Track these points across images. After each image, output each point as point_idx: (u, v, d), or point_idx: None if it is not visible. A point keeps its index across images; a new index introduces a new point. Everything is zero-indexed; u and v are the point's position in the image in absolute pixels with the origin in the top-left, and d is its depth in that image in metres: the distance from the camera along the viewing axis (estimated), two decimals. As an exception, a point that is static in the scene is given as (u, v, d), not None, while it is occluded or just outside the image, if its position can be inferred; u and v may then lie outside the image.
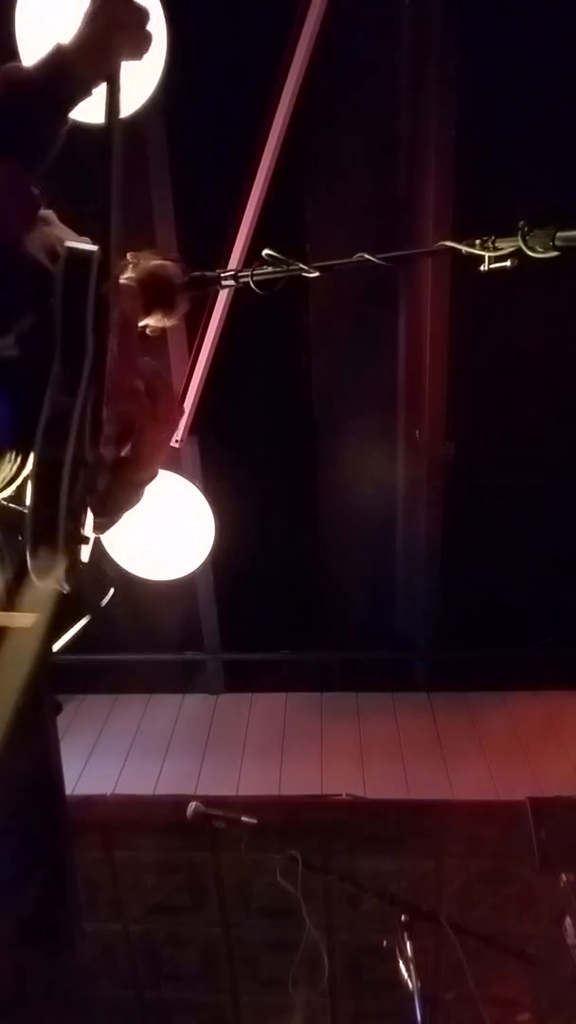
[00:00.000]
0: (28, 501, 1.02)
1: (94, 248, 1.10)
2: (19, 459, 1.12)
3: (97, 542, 1.16)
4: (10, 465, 1.12)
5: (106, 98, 1.17)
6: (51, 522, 1.00)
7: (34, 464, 1.02)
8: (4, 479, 1.14)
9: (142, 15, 1.19)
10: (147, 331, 1.60)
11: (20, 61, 1.51)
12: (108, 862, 3.42)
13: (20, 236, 1.11)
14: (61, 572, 1.01)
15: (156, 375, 1.29)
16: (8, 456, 1.11)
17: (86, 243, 1.21)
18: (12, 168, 1.10)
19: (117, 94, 1.18)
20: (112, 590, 1.19)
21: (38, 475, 1.01)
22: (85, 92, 1.16)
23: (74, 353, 1.05)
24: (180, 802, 2.65)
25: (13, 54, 1.52)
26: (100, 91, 1.19)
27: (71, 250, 1.08)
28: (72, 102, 1.15)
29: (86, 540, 1.07)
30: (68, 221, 1.29)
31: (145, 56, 1.23)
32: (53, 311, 1.06)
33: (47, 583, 1.03)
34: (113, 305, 1.10)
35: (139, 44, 1.20)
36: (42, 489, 1.01)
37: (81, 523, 1.06)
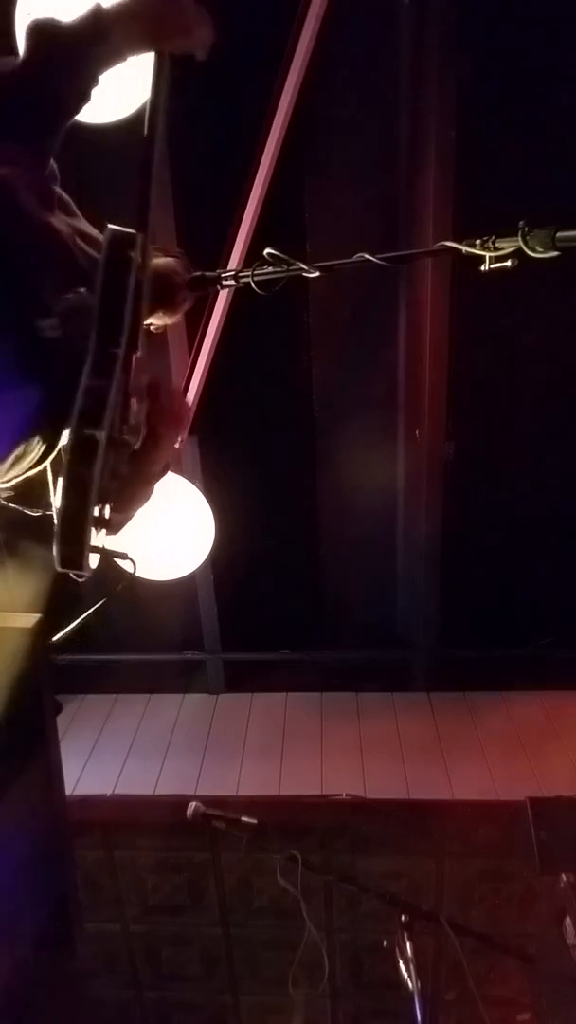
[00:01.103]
0: (60, 483, 1.01)
1: (133, 232, 1.10)
2: (44, 445, 1.12)
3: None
4: (36, 450, 1.12)
5: (153, 78, 1.18)
6: (83, 505, 0.99)
7: (69, 444, 1.01)
8: (30, 462, 1.13)
9: (190, 10, 1.19)
10: (151, 329, 1.60)
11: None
12: (108, 862, 3.42)
13: (50, 220, 1.11)
14: (86, 557, 1.00)
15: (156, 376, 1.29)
16: (36, 439, 1.11)
17: (100, 234, 1.21)
18: (32, 152, 1.11)
19: (163, 75, 1.18)
20: (134, 569, 1.18)
21: (72, 456, 1.00)
22: (118, 56, 1.16)
23: (112, 337, 1.04)
24: (180, 802, 2.65)
25: (13, 51, 1.52)
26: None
27: (114, 232, 1.08)
28: (104, 64, 1.15)
29: (109, 525, 1.06)
30: (89, 217, 1.29)
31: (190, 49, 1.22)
32: (87, 295, 1.06)
33: (67, 568, 1.02)
34: (147, 290, 1.10)
35: (190, 38, 1.20)
36: (76, 472, 0.99)
37: (104, 509, 1.06)
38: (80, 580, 1.05)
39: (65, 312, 1.06)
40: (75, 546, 0.99)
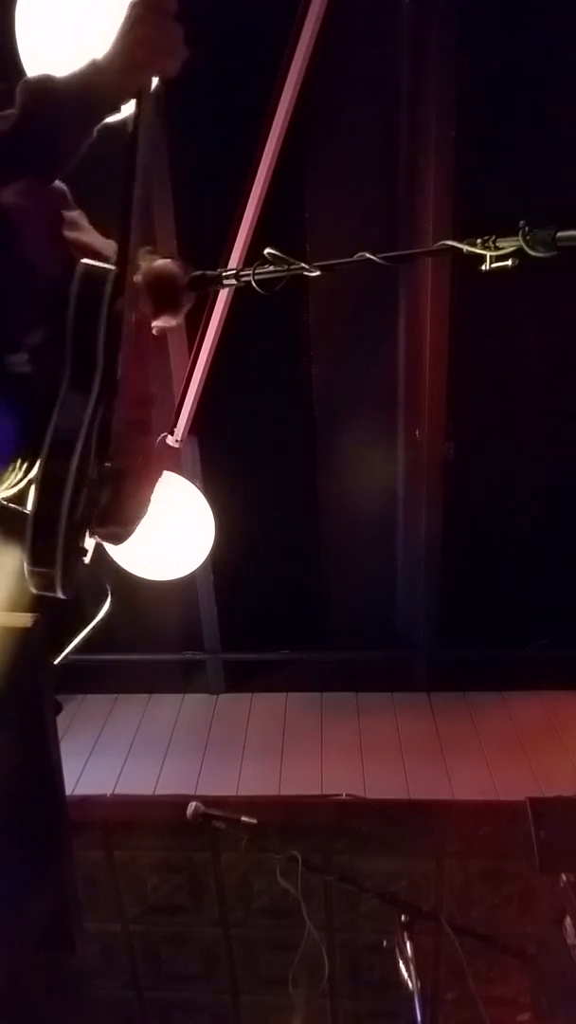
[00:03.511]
0: (29, 512, 1.02)
1: (109, 267, 1.09)
2: (25, 466, 1.13)
3: (95, 553, 1.16)
4: (16, 472, 1.12)
5: (134, 113, 1.15)
6: (51, 534, 1.00)
7: (38, 478, 1.02)
8: (11, 484, 1.14)
9: (176, 36, 1.16)
10: (153, 332, 1.60)
11: (20, 59, 1.52)
12: (108, 862, 3.42)
13: (36, 252, 1.11)
14: (58, 582, 1.02)
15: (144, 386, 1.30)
16: (16, 464, 1.11)
17: (109, 246, 1.21)
18: (33, 184, 1.10)
19: (146, 109, 1.16)
20: (109, 601, 1.20)
21: (41, 491, 1.01)
22: (114, 109, 1.15)
23: (84, 373, 1.05)
24: (180, 802, 2.65)
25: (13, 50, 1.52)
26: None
27: (86, 267, 1.08)
28: (100, 118, 1.14)
29: (84, 553, 1.07)
30: (96, 222, 1.29)
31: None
32: (65, 328, 1.06)
33: (43, 592, 1.03)
34: (128, 321, 1.10)
35: (172, 63, 1.17)
36: (44, 504, 1.01)
37: (81, 536, 1.06)
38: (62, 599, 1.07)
39: (37, 346, 1.06)
40: (46, 571, 1.01)
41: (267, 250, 1.47)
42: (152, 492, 1.26)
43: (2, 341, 1.05)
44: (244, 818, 2.54)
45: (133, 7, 1.12)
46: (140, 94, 1.15)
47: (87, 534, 1.09)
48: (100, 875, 3.43)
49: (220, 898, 3.47)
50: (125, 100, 1.15)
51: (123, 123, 1.17)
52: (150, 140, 1.17)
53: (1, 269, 1.05)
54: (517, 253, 1.18)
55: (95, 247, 1.23)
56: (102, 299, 1.06)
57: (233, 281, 1.57)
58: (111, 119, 1.16)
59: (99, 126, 1.14)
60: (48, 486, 1.01)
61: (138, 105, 1.15)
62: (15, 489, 1.15)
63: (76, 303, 1.06)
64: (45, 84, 1.10)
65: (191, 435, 3.11)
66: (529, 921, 3.24)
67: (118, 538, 1.16)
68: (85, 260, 1.11)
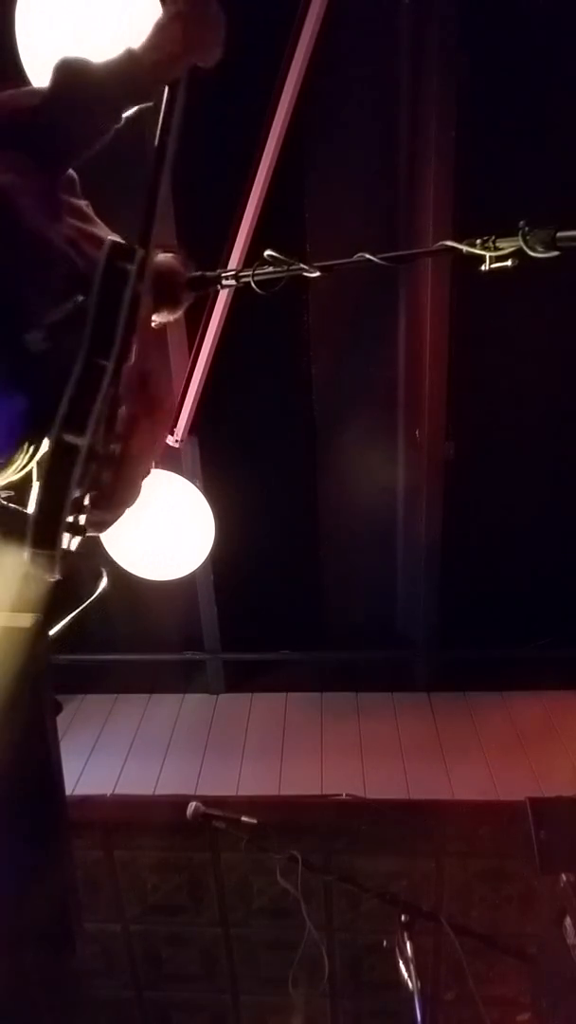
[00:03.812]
0: (35, 488, 1.02)
1: (135, 247, 1.10)
2: (32, 448, 1.13)
3: (90, 537, 1.16)
4: (23, 455, 1.13)
5: (165, 102, 1.17)
6: (56, 511, 1.00)
7: (48, 452, 1.02)
8: (17, 467, 1.14)
9: (217, 28, 1.17)
10: (152, 325, 1.60)
11: (20, 59, 1.52)
12: (108, 862, 3.42)
13: (48, 231, 1.11)
14: (57, 560, 1.02)
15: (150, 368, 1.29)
16: (23, 446, 1.11)
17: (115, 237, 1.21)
18: (44, 166, 1.10)
19: (178, 100, 1.17)
20: (105, 580, 1.20)
21: (51, 464, 1.01)
22: (146, 99, 1.16)
23: (102, 349, 1.05)
24: (180, 802, 2.65)
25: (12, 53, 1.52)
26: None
27: (114, 245, 1.08)
28: (129, 106, 1.15)
29: (83, 531, 1.08)
30: (102, 214, 1.29)
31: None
32: (84, 305, 1.06)
33: (41, 571, 1.03)
34: (145, 304, 1.11)
35: (211, 55, 1.19)
36: (52, 478, 1.01)
37: (80, 515, 1.07)
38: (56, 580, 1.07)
39: (54, 324, 1.07)
40: (46, 550, 1.01)
41: (266, 252, 1.47)
42: (146, 476, 1.26)
43: (18, 318, 1.06)
44: (244, 818, 2.54)
45: (173, 1, 1.14)
46: (173, 85, 1.16)
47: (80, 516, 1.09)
48: (100, 875, 3.43)
49: (220, 898, 3.47)
50: (157, 91, 1.16)
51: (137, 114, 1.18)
52: (179, 130, 1.18)
53: (14, 244, 1.06)
54: (517, 253, 1.18)
55: (101, 238, 1.23)
56: (128, 277, 1.06)
57: (233, 282, 1.57)
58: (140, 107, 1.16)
59: (127, 114, 1.15)
60: (57, 464, 1.01)
61: (170, 95, 1.17)
62: (22, 473, 1.15)
63: (103, 276, 1.06)
64: (78, 66, 1.11)
65: (191, 435, 3.11)
66: (529, 921, 3.24)
67: (103, 525, 1.16)
68: (112, 237, 1.11)
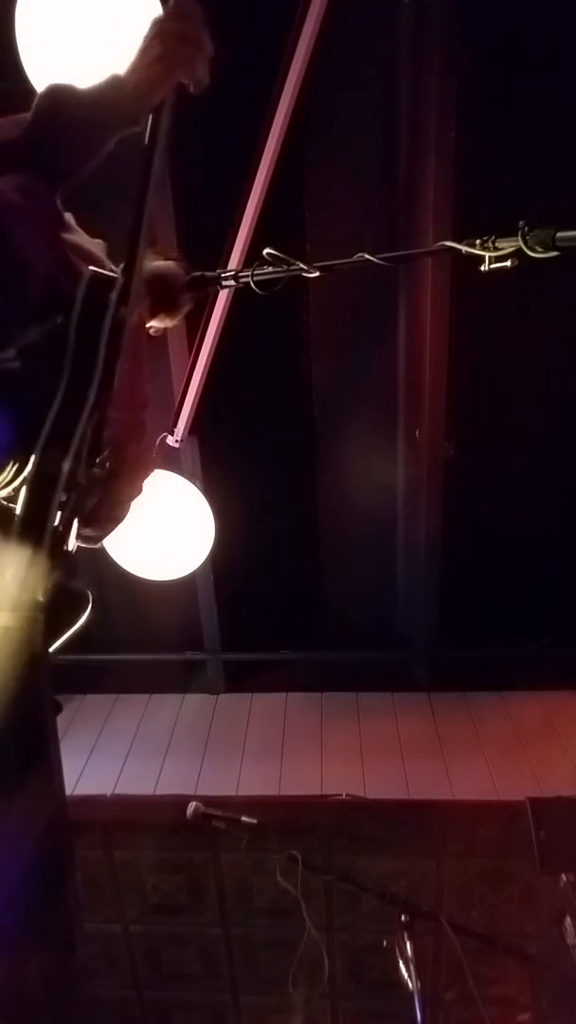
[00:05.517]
0: (18, 512, 1.03)
1: (116, 275, 1.10)
2: (17, 465, 1.13)
3: (74, 563, 1.17)
4: (9, 470, 1.13)
5: (151, 123, 1.15)
6: (38, 536, 1.01)
7: (29, 478, 1.03)
8: (3, 481, 1.14)
9: (201, 42, 1.13)
10: (150, 332, 1.60)
11: (20, 59, 1.52)
12: (108, 862, 3.42)
13: (33, 251, 1.10)
14: (40, 584, 1.02)
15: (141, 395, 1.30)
16: (8, 463, 1.11)
17: (100, 247, 1.21)
18: (35, 185, 1.09)
19: (164, 120, 1.15)
20: (89, 609, 1.20)
21: (32, 491, 1.02)
22: (133, 125, 1.13)
23: (82, 376, 1.05)
24: (180, 802, 2.65)
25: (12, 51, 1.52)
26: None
27: (94, 275, 1.08)
28: (117, 133, 1.13)
29: (68, 556, 1.08)
30: (84, 224, 1.29)
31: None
32: (64, 329, 1.06)
33: (25, 592, 1.03)
34: (128, 329, 1.10)
35: (199, 73, 1.16)
36: (33, 505, 1.01)
37: (66, 540, 1.07)
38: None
39: (29, 345, 1.06)
40: (27, 573, 1.01)
41: (266, 251, 1.47)
42: (136, 496, 1.26)
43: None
44: (244, 818, 2.54)
45: (154, 23, 1.11)
46: (158, 108, 1.14)
47: (72, 536, 1.10)
48: (100, 875, 3.43)
49: (220, 898, 3.48)
50: (144, 115, 1.14)
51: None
52: (165, 152, 1.16)
53: None
54: (516, 253, 1.18)
55: (84, 247, 1.23)
56: (107, 306, 1.06)
57: (232, 282, 1.57)
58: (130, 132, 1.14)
59: (117, 138, 1.13)
60: (39, 486, 1.01)
61: (155, 118, 1.14)
62: (8, 490, 1.16)
63: (81, 308, 1.06)
64: (62, 94, 1.09)
65: (191, 435, 3.11)
66: (529, 921, 3.24)
67: (94, 540, 1.16)
68: (93, 268, 1.10)
